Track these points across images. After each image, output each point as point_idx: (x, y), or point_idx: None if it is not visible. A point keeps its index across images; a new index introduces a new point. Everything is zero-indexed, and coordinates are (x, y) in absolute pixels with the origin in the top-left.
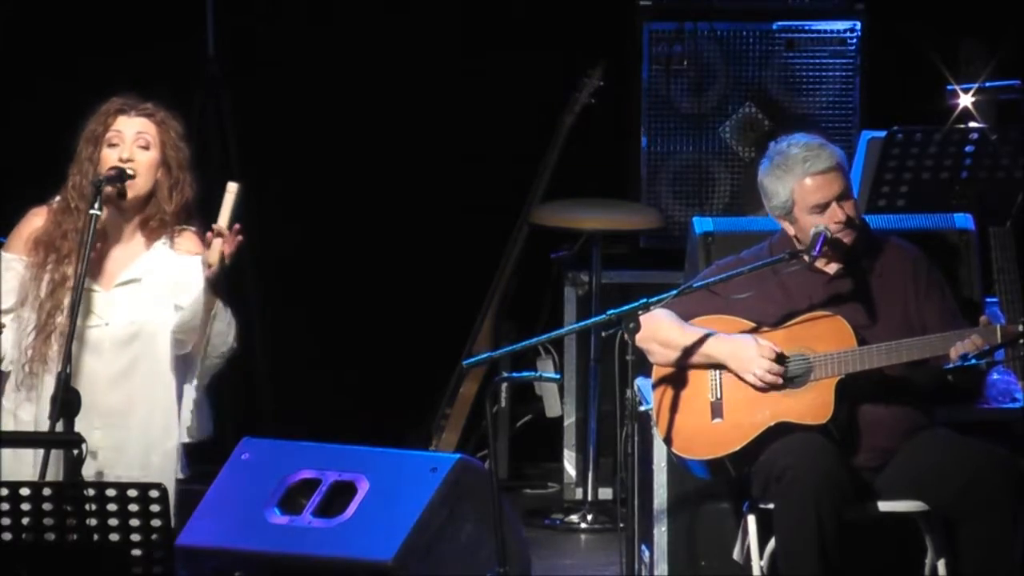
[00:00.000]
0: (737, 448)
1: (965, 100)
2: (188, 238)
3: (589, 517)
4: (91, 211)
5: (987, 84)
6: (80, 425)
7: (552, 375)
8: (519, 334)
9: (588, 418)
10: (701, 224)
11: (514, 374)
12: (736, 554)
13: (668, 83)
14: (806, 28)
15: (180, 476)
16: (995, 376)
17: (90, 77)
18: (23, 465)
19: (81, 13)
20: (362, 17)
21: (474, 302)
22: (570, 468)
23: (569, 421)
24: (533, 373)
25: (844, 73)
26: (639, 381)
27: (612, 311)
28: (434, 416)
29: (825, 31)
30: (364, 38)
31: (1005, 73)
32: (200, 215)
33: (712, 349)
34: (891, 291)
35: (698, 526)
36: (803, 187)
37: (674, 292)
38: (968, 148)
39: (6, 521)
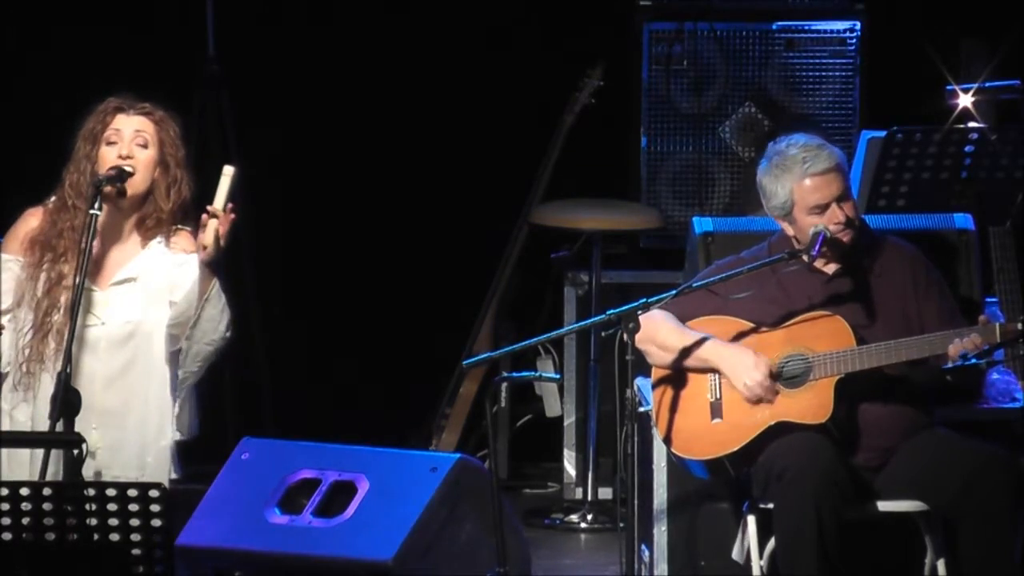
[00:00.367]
0: (736, 448)
1: (965, 100)
2: (184, 237)
3: (589, 517)
4: (91, 211)
5: (987, 84)
6: (78, 425)
7: (552, 375)
8: (519, 334)
9: (588, 418)
10: (701, 224)
11: (514, 374)
12: (736, 554)
13: (668, 83)
14: (806, 28)
15: (173, 476)
16: (995, 376)
17: (90, 77)
18: (19, 466)
19: (81, 13)
20: (362, 17)
21: (474, 302)
22: (570, 468)
23: (569, 421)
24: (533, 373)
25: (844, 73)
26: (639, 381)
27: (612, 311)
28: (434, 416)
29: (825, 31)
30: (364, 38)
31: (1005, 73)
32: (197, 215)
33: (709, 353)
34: (890, 291)
35: (698, 526)
36: (802, 188)
37: (674, 292)
38: (968, 148)
39: (6, 521)
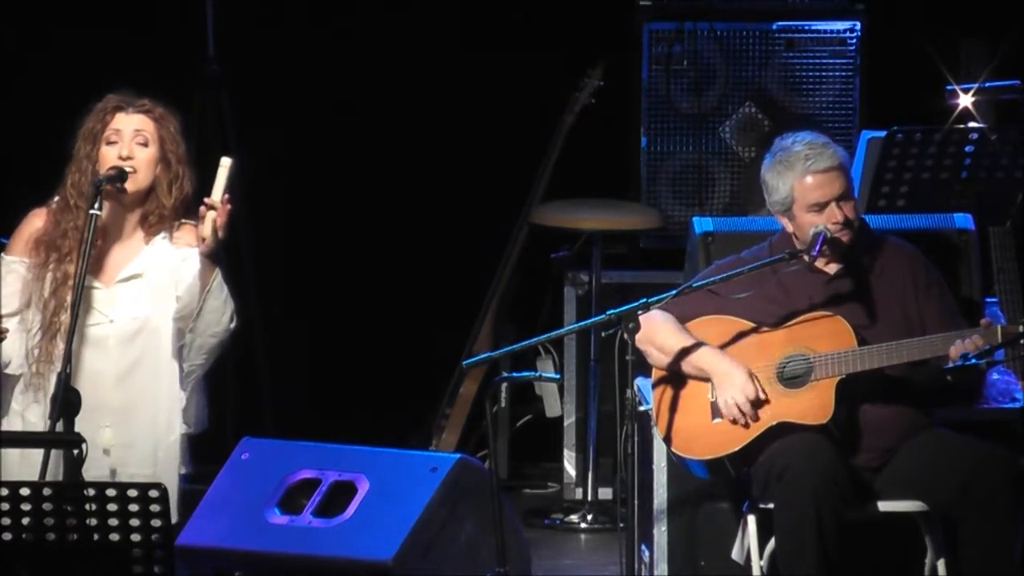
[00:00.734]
0: (737, 448)
1: (965, 100)
2: (187, 231)
3: (589, 517)
4: (91, 211)
5: (987, 84)
6: (90, 424)
7: (552, 375)
8: (519, 334)
9: (588, 418)
10: (701, 224)
11: (514, 374)
12: (736, 554)
13: (668, 83)
14: (806, 28)
15: (184, 471)
16: (995, 376)
17: (90, 77)
18: (30, 466)
19: (81, 13)
20: (362, 17)
21: (474, 302)
22: (570, 468)
23: (569, 421)
24: (533, 373)
25: (844, 73)
26: (639, 381)
27: (612, 311)
28: (434, 416)
29: (825, 31)
30: (364, 38)
31: (1005, 73)
32: (195, 210)
33: (704, 363)
34: (891, 291)
35: (698, 526)
36: (803, 185)
37: (674, 292)
38: (968, 148)
39: (6, 521)
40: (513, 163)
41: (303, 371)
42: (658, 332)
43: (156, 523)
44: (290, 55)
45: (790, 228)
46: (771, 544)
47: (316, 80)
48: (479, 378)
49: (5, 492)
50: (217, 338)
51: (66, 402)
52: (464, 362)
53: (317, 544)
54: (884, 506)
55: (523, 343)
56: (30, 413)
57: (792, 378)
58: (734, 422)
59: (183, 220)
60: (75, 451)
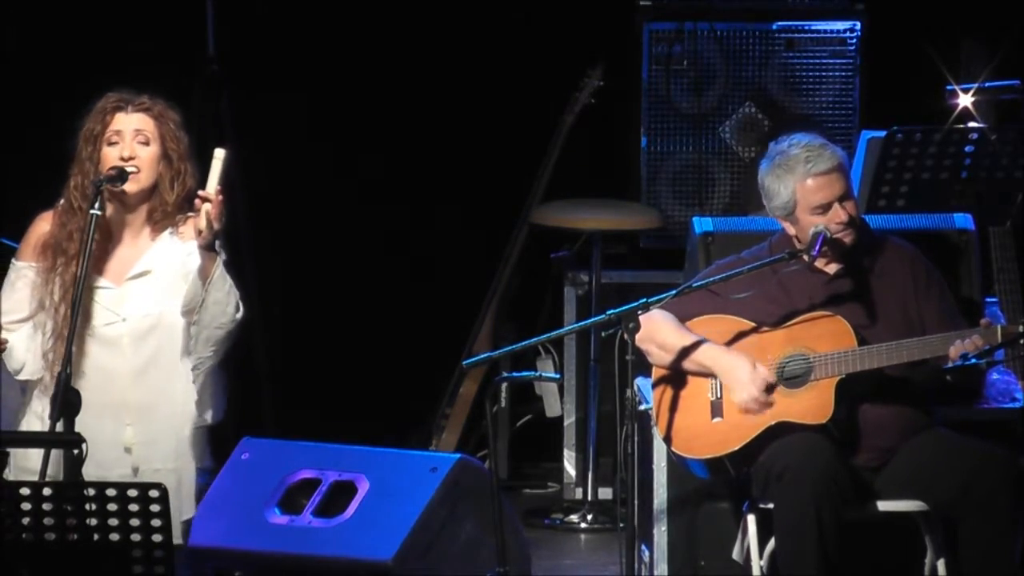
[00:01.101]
0: (737, 448)
1: (965, 100)
2: (191, 223)
3: (589, 517)
4: (91, 211)
5: (987, 84)
6: (112, 423)
7: (552, 375)
8: (519, 334)
9: (588, 418)
10: (701, 224)
11: (514, 374)
12: (736, 554)
13: (668, 83)
14: (806, 28)
15: (204, 464)
16: (995, 376)
17: (90, 76)
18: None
19: (81, 13)
20: (362, 17)
21: (474, 302)
22: (570, 468)
23: (569, 421)
24: (533, 373)
25: (844, 73)
26: (639, 381)
27: (612, 311)
28: (434, 416)
29: (825, 31)
30: (364, 38)
31: (1005, 73)
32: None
33: (707, 359)
34: (891, 291)
35: (698, 526)
36: (805, 188)
37: (674, 292)
38: (968, 148)
39: (6, 521)
40: (513, 163)
41: (303, 371)
42: (659, 330)
43: (156, 523)
44: (290, 55)
45: (792, 231)
46: (771, 544)
47: (316, 80)
48: (479, 378)
49: (5, 492)
50: (224, 329)
51: (66, 402)
52: (464, 362)
53: (317, 544)
54: (884, 506)
55: (523, 343)
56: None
57: (792, 378)
58: (747, 411)
59: (188, 214)
60: (75, 451)
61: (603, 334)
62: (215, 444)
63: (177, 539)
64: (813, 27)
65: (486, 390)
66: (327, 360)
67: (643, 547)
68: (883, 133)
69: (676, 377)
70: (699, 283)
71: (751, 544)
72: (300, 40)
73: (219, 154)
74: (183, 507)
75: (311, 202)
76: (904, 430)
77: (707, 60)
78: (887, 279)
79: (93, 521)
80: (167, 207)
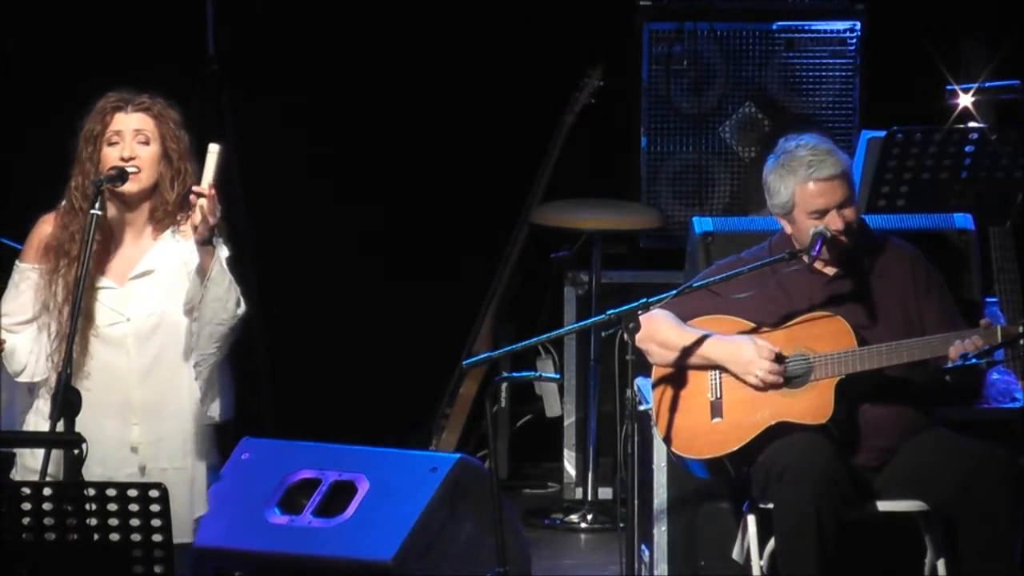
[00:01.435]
0: (737, 448)
1: (965, 100)
2: (190, 222)
3: (589, 517)
4: (91, 211)
5: (987, 84)
6: (119, 423)
7: (552, 375)
8: (519, 334)
9: (588, 418)
10: (701, 224)
11: (514, 374)
12: (736, 554)
13: (668, 83)
14: (806, 28)
15: (211, 462)
16: (995, 376)
17: (90, 76)
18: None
19: (81, 13)
20: (362, 17)
21: (474, 302)
22: (570, 468)
23: (569, 421)
24: (533, 373)
25: (844, 73)
26: (639, 381)
27: (612, 311)
28: (434, 416)
29: (825, 31)
30: (364, 38)
31: (1005, 73)
32: None
33: (710, 351)
34: (891, 291)
35: (698, 526)
36: (805, 191)
37: (673, 292)
38: (968, 148)
39: (6, 521)
40: (513, 163)
41: (303, 371)
42: (660, 328)
43: (156, 523)
44: (290, 55)
45: (789, 230)
46: (771, 544)
47: (316, 80)
48: (479, 378)
49: (5, 492)
50: (226, 325)
51: (66, 402)
52: (464, 362)
53: (317, 544)
54: (884, 506)
55: (523, 343)
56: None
57: (792, 378)
58: (769, 388)
59: (189, 213)
60: (75, 451)
61: (603, 334)
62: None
63: (188, 537)
64: (813, 27)
65: (486, 390)
66: (327, 360)
67: (643, 547)
68: (883, 133)
69: (676, 377)
70: (699, 283)
71: (751, 544)
72: (300, 40)
73: (213, 148)
74: (195, 505)
75: (311, 201)
76: (904, 430)
77: (707, 60)
78: (887, 279)
79: (93, 521)
80: (168, 206)
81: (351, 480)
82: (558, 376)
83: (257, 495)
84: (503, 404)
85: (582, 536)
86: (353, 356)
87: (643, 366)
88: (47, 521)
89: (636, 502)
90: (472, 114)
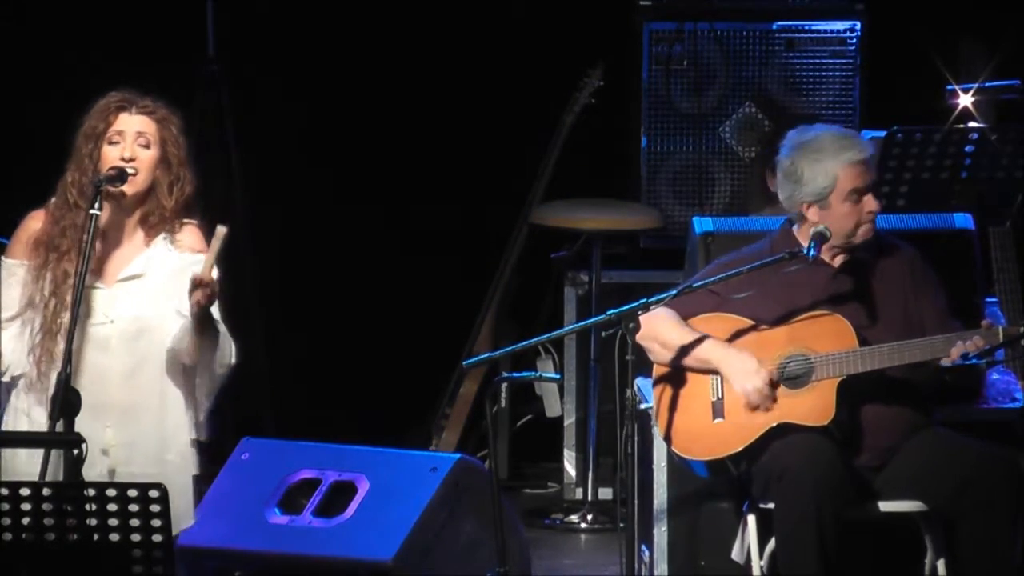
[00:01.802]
0: (738, 449)
1: (965, 100)
2: (189, 232)
3: (589, 517)
4: (91, 211)
5: (987, 84)
6: (92, 424)
7: (552, 375)
8: (519, 334)
9: (588, 418)
10: (701, 224)
11: (514, 374)
12: (735, 554)
13: (668, 83)
14: (806, 28)
15: (195, 472)
16: (995, 376)
17: (90, 76)
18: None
19: (81, 13)
20: (362, 17)
21: (474, 302)
22: (570, 468)
23: (569, 421)
24: (533, 373)
25: (844, 73)
26: (639, 381)
27: (612, 311)
28: (434, 416)
29: (825, 31)
30: (364, 38)
31: (1005, 73)
32: (199, 209)
33: (710, 354)
34: (891, 290)
35: (698, 526)
36: (846, 172)
37: (674, 292)
38: (968, 148)
39: (6, 521)
40: (513, 163)
41: (303, 371)
42: (661, 328)
43: (156, 523)
44: (290, 55)
45: (815, 219)
46: (771, 544)
47: (316, 80)
48: (479, 378)
49: (5, 492)
50: (217, 381)
51: (66, 402)
52: (464, 362)
53: (317, 544)
54: (884, 506)
55: (523, 343)
56: (36, 413)
57: (793, 378)
58: (755, 408)
59: (184, 220)
60: (75, 451)
61: (603, 334)
62: (216, 444)
63: None
64: (813, 27)
65: (486, 390)
66: (327, 360)
67: (643, 547)
68: (883, 133)
69: (677, 376)
70: (698, 283)
71: (751, 544)
72: (300, 40)
73: (220, 232)
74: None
75: (311, 201)
76: (904, 430)
77: (707, 60)
78: (887, 279)
79: (93, 521)
80: (164, 212)
81: (351, 480)
82: (558, 376)
83: (257, 495)
84: (503, 404)
85: (582, 536)
86: (353, 356)
87: (643, 366)
88: (47, 521)
89: (636, 502)
90: (472, 114)
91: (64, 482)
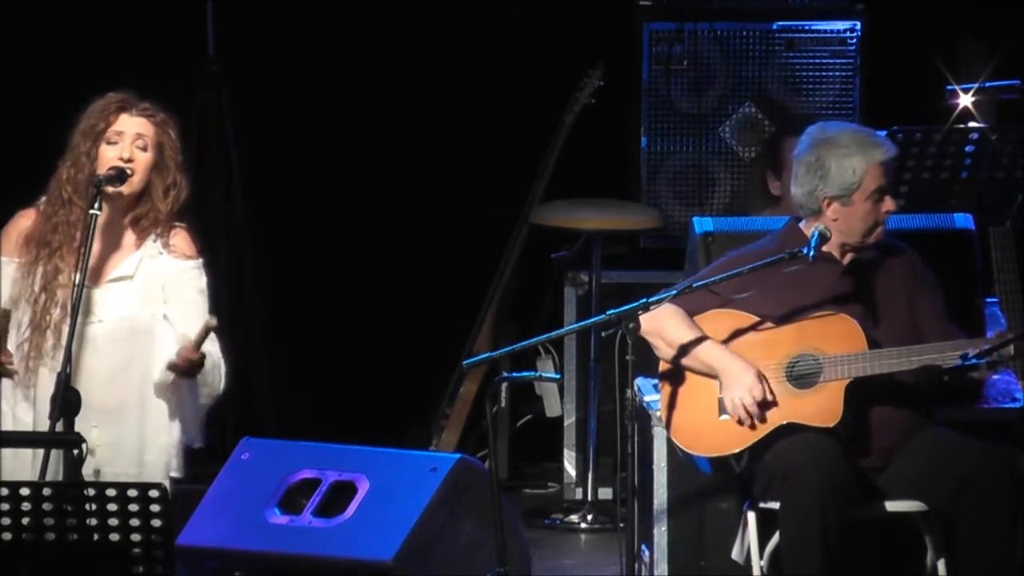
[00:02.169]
0: (743, 447)
1: (965, 100)
2: (180, 236)
3: (589, 517)
4: (91, 211)
5: (987, 84)
6: (79, 423)
7: (552, 375)
8: (519, 334)
9: (588, 418)
10: (701, 224)
11: (514, 374)
12: (735, 554)
13: (668, 83)
14: (806, 28)
15: (175, 475)
16: (995, 376)
17: (90, 77)
18: (22, 465)
19: (81, 13)
20: (362, 16)
21: (474, 302)
22: (570, 468)
23: (569, 421)
24: (533, 373)
25: (844, 73)
26: (639, 381)
27: (612, 311)
28: (434, 416)
29: (825, 31)
30: (364, 38)
31: (1005, 73)
32: (193, 213)
33: (711, 359)
34: (896, 290)
35: (698, 526)
36: (873, 170)
37: (674, 292)
38: (968, 148)
39: (6, 521)
40: (513, 163)
41: (303, 371)
42: (666, 325)
43: (156, 523)
44: (290, 55)
45: (834, 217)
46: (771, 544)
47: (316, 80)
48: (479, 378)
49: (5, 492)
50: (215, 396)
51: (66, 402)
52: (464, 362)
53: (317, 544)
54: (885, 506)
55: (523, 343)
56: (20, 411)
57: (800, 377)
58: (740, 422)
59: (176, 224)
60: (75, 451)
61: (603, 334)
62: (216, 445)
63: None
64: (813, 27)
65: (486, 390)
66: (327, 360)
67: (643, 547)
68: (883, 133)
69: (683, 372)
70: (698, 284)
71: (751, 544)
72: (300, 40)
73: (210, 323)
74: None
75: (311, 200)
76: (904, 430)
77: (707, 60)
78: (892, 278)
79: (93, 521)
80: (158, 215)
81: (351, 480)
82: (558, 376)
83: (257, 495)
84: (503, 404)
85: (582, 536)
86: (353, 356)
87: (643, 366)
88: (47, 521)
89: (636, 502)
90: (472, 114)
91: (64, 482)
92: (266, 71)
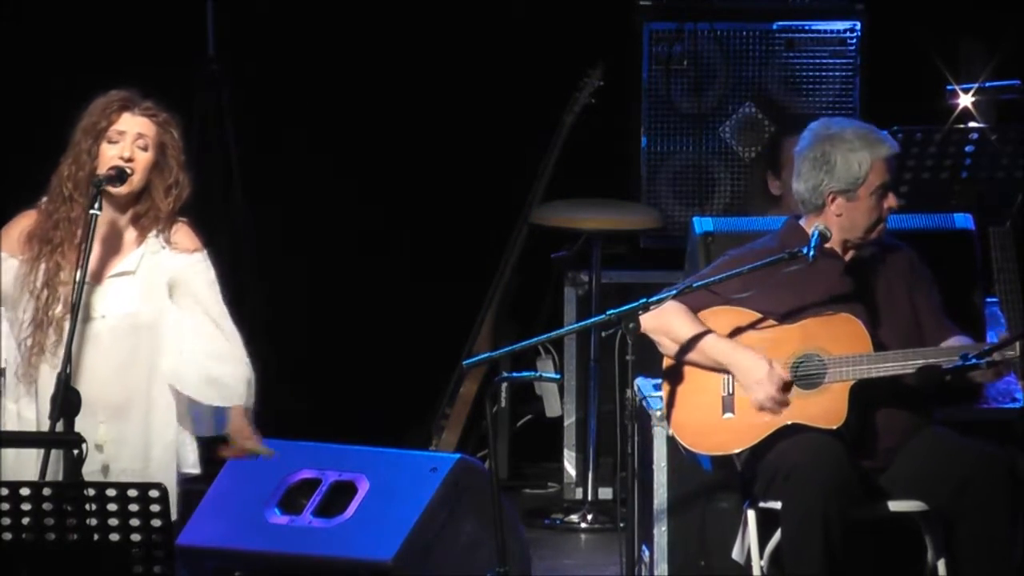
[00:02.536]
0: (746, 447)
1: (965, 100)
2: (182, 231)
3: (589, 517)
4: (91, 211)
5: (987, 84)
6: (85, 419)
7: (552, 375)
8: (519, 334)
9: (588, 418)
10: (701, 224)
11: (514, 374)
12: (735, 554)
13: (668, 83)
14: (806, 28)
15: (193, 472)
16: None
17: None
18: (25, 464)
19: (81, 13)
20: (362, 16)
21: (474, 302)
22: (570, 468)
23: (569, 421)
24: (533, 373)
25: (844, 73)
26: (639, 381)
27: (612, 311)
28: (434, 416)
29: (825, 31)
30: (364, 38)
31: (1005, 73)
32: (194, 210)
33: (721, 355)
34: (897, 287)
35: (698, 526)
36: (880, 165)
37: (673, 292)
38: (968, 148)
39: (6, 521)
40: (513, 163)
41: (303, 371)
42: (672, 322)
43: (156, 523)
44: (290, 55)
45: (838, 212)
46: (771, 543)
47: (316, 80)
48: (479, 378)
49: (5, 492)
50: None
51: (66, 402)
52: (464, 362)
53: (317, 544)
54: (887, 506)
55: (523, 343)
56: (24, 409)
57: (805, 377)
58: (764, 410)
59: (179, 219)
60: (75, 451)
61: (603, 334)
62: (215, 445)
63: None
64: (813, 27)
65: (486, 390)
66: (327, 360)
67: (643, 547)
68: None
69: (688, 369)
70: (698, 284)
71: (751, 544)
72: (300, 39)
73: (267, 452)
74: None
75: (311, 200)
76: (905, 431)
77: (707, 60)
78: (893, 276)
79: (93, 521)
80: (159, 213)
81: (351, 480)
82: (558, 376)
83: (257, 495)
84: (503, 404)
85: (582, 536)
86: (353, 356)
87: (643, 366)
88: (47, 521)
89: (636, 502)
90: (472, 114)
91: (64, 482)
92: (266, 71)
